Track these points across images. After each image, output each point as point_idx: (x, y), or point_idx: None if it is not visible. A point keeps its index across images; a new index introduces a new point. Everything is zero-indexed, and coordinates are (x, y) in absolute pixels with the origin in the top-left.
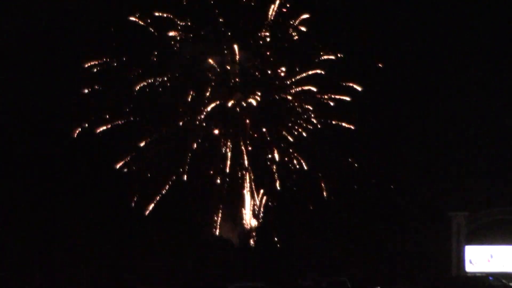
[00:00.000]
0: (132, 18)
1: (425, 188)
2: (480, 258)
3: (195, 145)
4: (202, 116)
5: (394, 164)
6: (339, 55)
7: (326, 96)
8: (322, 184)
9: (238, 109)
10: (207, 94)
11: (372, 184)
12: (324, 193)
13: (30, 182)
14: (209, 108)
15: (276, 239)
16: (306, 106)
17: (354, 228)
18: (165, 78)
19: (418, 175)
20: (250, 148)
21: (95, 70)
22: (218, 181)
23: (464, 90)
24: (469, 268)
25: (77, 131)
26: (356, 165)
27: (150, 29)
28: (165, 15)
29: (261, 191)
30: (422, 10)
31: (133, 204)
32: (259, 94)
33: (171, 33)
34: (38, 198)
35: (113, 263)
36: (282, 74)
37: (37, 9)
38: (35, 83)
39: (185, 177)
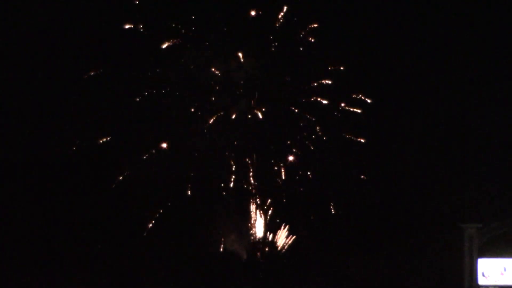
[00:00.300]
0: (134, 26)
1: (437, 200)
2: (493, 271)
3: (199, 157)
4: (206, 127)
5: (405, 176)
6: (347, 66)
7: (333, 109)
8: (330, 199)
9: (242, 120)
10: (211, 104)
11: (381, 196)
12: (331, 207)
13: (31, 183)
14: (211, 121)
15: (283, 251)
16: (313, 118)
17: (364, 241)
18: (168, 89)
19: (429, 187)
20: (255, 160)
21: (96, 80)
22: (224, 193)
23: (479, 102)
24: (482, 281)
25: (77, 142)
26: (364, 177)
27: (153, 37)
28: (169, 23)
29: (268, 203)
30: (433, 21)
31: (136, 215)
32: (264, 104)
33: (174, 41)
34: (39, 200)
35: (113, 264)
36: (289, 84)
37: (36, 22)
38: (35, 92)
39: (188, 191)
